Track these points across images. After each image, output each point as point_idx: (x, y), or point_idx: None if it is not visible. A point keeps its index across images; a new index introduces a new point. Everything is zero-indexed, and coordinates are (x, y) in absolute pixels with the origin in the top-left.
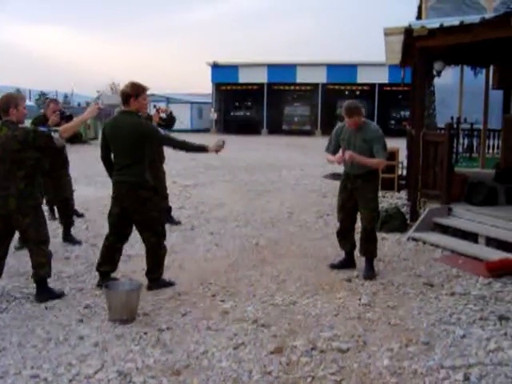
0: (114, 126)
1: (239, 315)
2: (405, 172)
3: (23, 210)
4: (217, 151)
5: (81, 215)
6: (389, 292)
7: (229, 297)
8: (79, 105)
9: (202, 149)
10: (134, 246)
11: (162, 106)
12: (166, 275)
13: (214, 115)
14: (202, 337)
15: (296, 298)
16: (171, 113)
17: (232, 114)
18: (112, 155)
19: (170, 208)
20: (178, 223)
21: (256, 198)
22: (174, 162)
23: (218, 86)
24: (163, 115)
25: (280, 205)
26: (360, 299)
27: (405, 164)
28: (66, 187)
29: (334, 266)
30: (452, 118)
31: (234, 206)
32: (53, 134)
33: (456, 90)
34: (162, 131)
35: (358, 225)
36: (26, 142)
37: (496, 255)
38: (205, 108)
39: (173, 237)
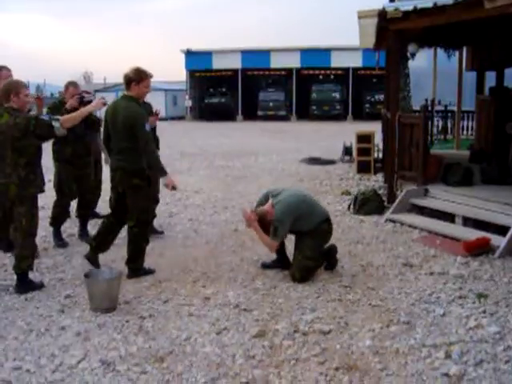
0: (112, 109)
1: (221, 300)
2: (380, 155)
3: (22, 198)
4: (168, 187)
5: (101, 217)
6: (368, 273)
7: (210, 282)
8: (52, 95)
9: (161, 172)
10: None
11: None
12: (146, 263)
13: (188, 102)
14: (184, 323)
15: (277, 282)
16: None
17: (207, 100)
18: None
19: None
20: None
21: (233, 183)
22: None
23: (192, 72)
24: None
25: (257, 190)
26: (340, 281)
27: (380, 147)
28: (89, 178)
29: (265, 266)
30: (426, 100)
31: (211, 193)
32: (53, 123)
33: (430, 72)
34: (147, 128)
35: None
36: (26, 130)
37: (473, 234)
38: (179, 95)
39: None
